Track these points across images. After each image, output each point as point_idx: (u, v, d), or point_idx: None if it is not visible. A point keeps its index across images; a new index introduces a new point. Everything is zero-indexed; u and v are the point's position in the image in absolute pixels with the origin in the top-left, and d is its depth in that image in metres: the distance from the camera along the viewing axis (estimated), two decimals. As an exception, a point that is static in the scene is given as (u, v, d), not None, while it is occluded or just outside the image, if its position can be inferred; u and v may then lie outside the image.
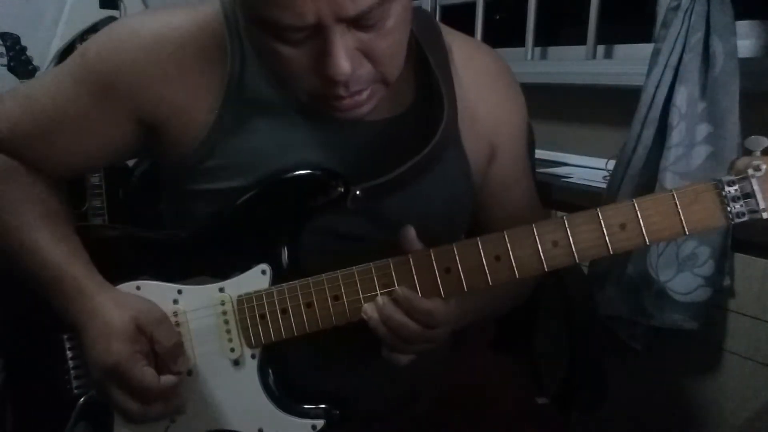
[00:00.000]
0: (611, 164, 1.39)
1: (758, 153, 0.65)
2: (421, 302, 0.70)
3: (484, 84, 0.87)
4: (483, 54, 0.90)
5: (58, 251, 0.75)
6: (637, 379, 1.37)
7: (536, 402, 0.89)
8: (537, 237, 0.68)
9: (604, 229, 0.66)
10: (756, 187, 0.64)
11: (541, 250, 0.68)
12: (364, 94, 0.70)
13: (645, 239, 0.66)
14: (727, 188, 0.64)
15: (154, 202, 1.00)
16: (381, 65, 0.68)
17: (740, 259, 1.21)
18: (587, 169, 1.64)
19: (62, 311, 0.74)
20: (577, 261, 0.68)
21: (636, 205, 0.66)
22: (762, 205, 0.64)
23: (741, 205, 0.64)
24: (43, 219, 0.76)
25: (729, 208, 0.64)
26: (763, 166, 0.64)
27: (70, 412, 0.78)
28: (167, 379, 0.72)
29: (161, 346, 0.73)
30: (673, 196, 0.65)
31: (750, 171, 0.64)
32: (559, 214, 0.71)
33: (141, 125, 0.78)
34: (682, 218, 0.65)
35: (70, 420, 0.77)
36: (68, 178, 0.84)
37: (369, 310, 0.71)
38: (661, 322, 1.24)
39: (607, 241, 0.67)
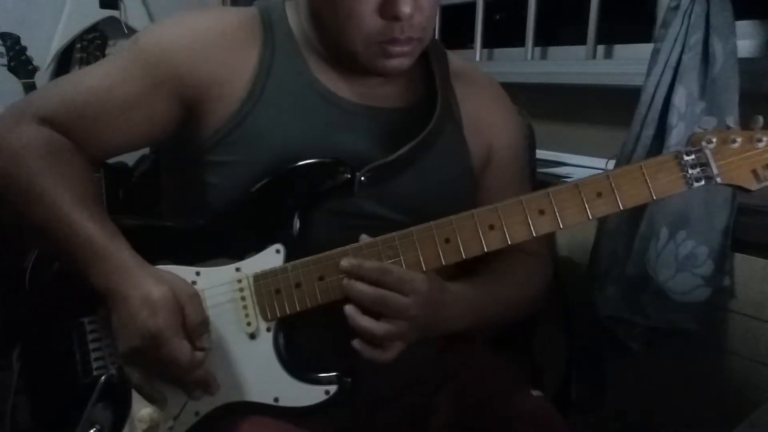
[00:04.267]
0: (611, 164, 1.39)
1: (709, 129, 0.77)
2: (367, 262, 0.77)
3: (484, 98, 0.98)
4: (483, 77, 1.02)
5: (101, 230, 0.78)
6: (636, 379, 1.37)
7: (531, 394, 0.90)
8: (525, 207, 0.77)
9: (583, 197, 0.76)
10: (710, 157, 0.76)
11: (529, 218, 0.77)
12: (409, 46, 0.83)
13: (619, 205, 0.76)
14: (686, 158, 0.76)
15: (154, 203, 1.03)
16: (424, 19, 0.82)
17: (740, 259, 1.21)
18: (587, 169, 1.64)
19: (102, 283, 0.77)
20: (561, 227, 0.77)
21: (609, 176, 0.77)
22: (715, 171, 0.76)
23: (698, 172, 0.76)
24: (87, 199, 0.80)
25: (688, 175, 0.76)
26: (714, 139, 0.76)
27: (88, 394, 0.80)
28: (199, 354, 0.76)
29: (190, 320, 0.76)
30: (641, 167, 0.76)
31: (704, 143, 0.76)
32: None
33: (183, 104, 0.85)
34: (650, 185, 0.76)
35: (91, 399, 0.79)
36: (108, 156, 0.91)
37: (348, 308, 0.77)
38: (660, 322, 1.24)
39: (586, 208, 0.76)
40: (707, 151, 0.75)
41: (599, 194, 0.76)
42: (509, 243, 0.77)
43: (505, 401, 0.88)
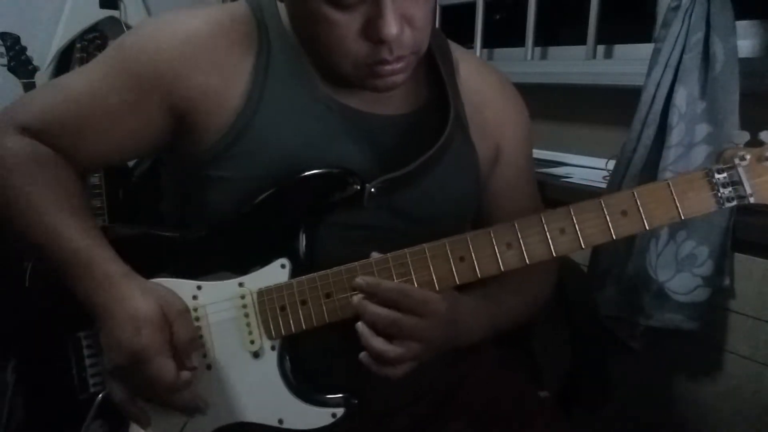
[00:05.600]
0: (611, 164, 1.39)
1: (742, 145, 0.72)
2: (388, 282, 0.73)
3: (489, 91, 0.93)
4: (488, 68, 0.97)
5: (87, 240, 0.75)
6: (637, 379, 1.37)
7: (538, 396, 0.89)
8: (545, 225, 0.72)
9: (607, 216, 0.72)
10: (743, 175, 0.71)
11: (549, 237, 0.72)
12: (402, 62, 0.76)
13: (645, 225, 0.72)
14: (717, 176, 0.71)
15: (154, 203, 1.01)
16: (418, 32, 0.75)
17: (740, 259, 1.21)
18: (587, 169, 1.64)
19: (87, 297, 0.74)
20: (583, 247, 0.72)
21: (635, 193, 0.71)
22: (749, 190, 0.71)
23: (730, 191, 0.71)
24: (73, 209, 0.77)
25: (719, 194, 0.71)
26: (748, 156, 0.71)
27: (85, 411, 0.78)
28: (185, 374, 0.73)
29: (178, 338, 0.74)
30: (669, 185, 0.71)
31: (736, 160, 0.71)
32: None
33: (173, 114, 0.80)
34: (678, 205, 0.71)
35: (88, 417, 0.78)
36: (97, 168, 0.88)
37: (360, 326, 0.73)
38: (660, 323, 1.24)
39: (610, 227, 0.72)
40: (740, 169, 0.70)
41: (624, 213, 0.71)
42: (527, 263, 0.73)
43: (513, 405, 0.86)
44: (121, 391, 0.76)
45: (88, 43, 2.08)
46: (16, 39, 1.96)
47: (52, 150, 0.80)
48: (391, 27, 0.70)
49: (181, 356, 0.74)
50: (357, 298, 0.74)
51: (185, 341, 0.74)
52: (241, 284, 0.78)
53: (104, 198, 1.85)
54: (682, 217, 0.71)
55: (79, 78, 0.82)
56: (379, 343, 0.73)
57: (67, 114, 0.80)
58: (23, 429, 0.84)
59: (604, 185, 1.43)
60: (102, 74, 0.80)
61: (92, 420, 0.78)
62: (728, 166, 0.71)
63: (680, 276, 1.21)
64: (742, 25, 1.37)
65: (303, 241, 0.78)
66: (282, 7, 0.82)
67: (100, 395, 0.78)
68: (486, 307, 0.84)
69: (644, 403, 1.40)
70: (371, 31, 0.71)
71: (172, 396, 0.74)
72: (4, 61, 1.94)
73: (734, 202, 0.71)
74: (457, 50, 0.93)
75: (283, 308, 0.77)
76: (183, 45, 0.78)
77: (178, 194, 0.89)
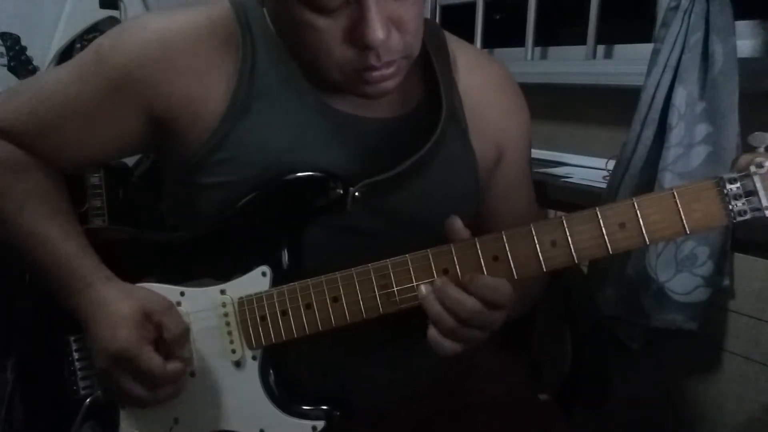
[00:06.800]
0: (611, 164, 1.39)
1: (762, 149, 0.63)
2: (486, 278, 0.67)
3: (490, 89, 0.89)
4: (489, 62, 0.93)
5: (67, 246, 0.75)
6: (637, 379, 1.37)
7: (538, 398, 0.89)
8: (535, 237, 0.67)
9: (603, 229, 0.65)
10: (758, 185, 0.62)
11: (539, 251, 0.67)
12: (392, 68, 0.72)
13: (645, 239, 0.65)
14: (728, 186, 0.63)
15: (154, 202, 1.01)
16: (407, 36, 0.71)
17: (740, 259, 1.21)
18: (587, 169, 1.64)
19: (70, 303, 0.75)
20: (576, 261, 0.67)
21: (636, 204, 0.65)
22: (765, 203, 0.62)
23: (743, 203, 0.63)
24: (54, 214, 0.77)
25: (730, 207, 0.63)
26: (766, 163, 0.62)
27: (77, 412, 0.79)
28: (174, 365, 0.73)
29: (169, 332, 0.73)
30: (674, 195, 0.64)
31: (752, 168, 0.62)
32: (558, 214, 0.71)
33: (152, 120, 0.78)
34: (683, 217, 0.64)
35: (77, 420, 0.78)
36: (77, 170, 0.85)
37: (424, 289, 0.68)
38: (660, 323, 1.24)
39: (607, 241, 0.66)
40: (756, 177, 0.62)
41: (622, 225, 0.65)
42: (515, 278, 0.68)
43: (513, 405, 0.86)
44: (116, 393, 0.75)
45: (88, 43, 2.07)
46: (16, 39, 1.95)
47: (28, 153, 0.79)
48: (377, 32, 0.66)
49: (174, 349, 0.74)
50: (426, 288, 0.68)
51: (177, 334, 0.73)
52: (222, 291, 0.77)
53: (104, 198, 1.85)
54: (688, 232, 0.64)
55: (55, 80, 0.80)
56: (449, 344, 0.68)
57: (43, 117, 0.78)
58: (22, 426, 0.85)
59: (604, 185, 1.43)
60: (79, 77, 0.78)
61: (81, 423, 0.78)
62: (742, 174, 0.62)
63: (680, 276, 1.20)
64: (742, 25, 1.37)
65: (285, 247, 0.76)
66: (269, 13, 0.79)
67: (88, 400, 0.78)
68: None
69: (644, 403, 1.40)
70: (356, 37, 0.67)
71: (161, 391, 0.73)
72: (4, 61, 1.94)
73: (748, 216, 0.63)
74: (453, 42, 0.89)
75: (263, 318, 0.75)
76: (161, 51, 0.75)
77: (172, 196, 0.88)
